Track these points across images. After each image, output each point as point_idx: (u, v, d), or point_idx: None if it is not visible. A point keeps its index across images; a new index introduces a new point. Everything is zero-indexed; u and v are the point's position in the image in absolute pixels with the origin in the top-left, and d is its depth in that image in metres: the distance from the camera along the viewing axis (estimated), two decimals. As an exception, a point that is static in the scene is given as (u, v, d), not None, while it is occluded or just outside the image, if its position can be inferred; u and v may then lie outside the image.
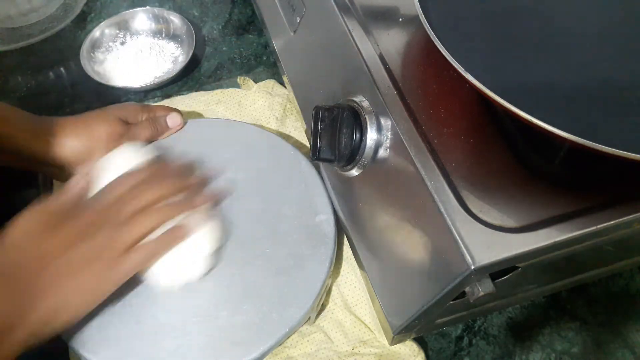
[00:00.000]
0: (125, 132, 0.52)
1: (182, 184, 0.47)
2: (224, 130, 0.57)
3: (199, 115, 0.63)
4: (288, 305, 0.46)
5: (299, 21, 0.55)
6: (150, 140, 0.55)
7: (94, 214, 0.42)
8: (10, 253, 0.40)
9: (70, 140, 0.50)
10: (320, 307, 0.51)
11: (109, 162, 0.48)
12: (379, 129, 0.43)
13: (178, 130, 0.56)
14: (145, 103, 0.65)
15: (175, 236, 0.44)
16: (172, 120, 0.55)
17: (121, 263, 0.41)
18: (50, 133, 0.49)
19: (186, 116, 0.62)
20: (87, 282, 0.40)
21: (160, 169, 0.48)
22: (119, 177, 0.45)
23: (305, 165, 0.54)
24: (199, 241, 0.45)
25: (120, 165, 0.47)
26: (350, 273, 0.53)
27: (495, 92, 0.33)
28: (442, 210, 0.36)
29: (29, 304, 0.38)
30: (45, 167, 0.51)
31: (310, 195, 0.52)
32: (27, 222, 0.41)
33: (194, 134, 0.56)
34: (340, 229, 0.51)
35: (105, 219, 0.42)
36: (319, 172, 0.53)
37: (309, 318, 0.49)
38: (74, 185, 0.45)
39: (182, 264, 0.45)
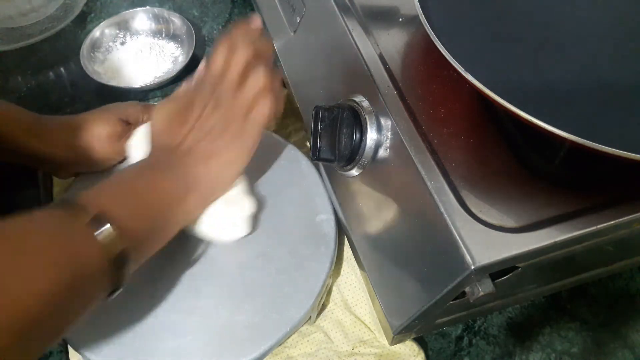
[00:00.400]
0: (125, 133, 0.52)
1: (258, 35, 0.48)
2: None
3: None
4: (288, 305, 0.46)
5: (299, 21, 0.55)
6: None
7: (207, 95, 0.45)
8: (156, 144, 0.45)
9: (70, 139, 0.50)
10: (321, 307, 0.51)
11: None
12: (379, 129, 0.43)
13: None
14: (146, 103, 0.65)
15: (275, 86, 0.46)
16: None
17: (248, 125, 0.44)
18: (50, 131, 0.49)
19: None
20: (227, 155, 0.44)
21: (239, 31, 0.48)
22: (216, 52, 0.46)
23: (305, 165, 0.54)
24: (242, 200, 0.47)
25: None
26: (351, 273, 0.53)
27: (495, 92, 0.33)
28: (442, 210, 0.36)
29: (191, 181, 0.42)
30: (45, 165, 0.51)
31: (310, 195, 0.52)
32: (159, 120, 0.46)
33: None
34: (340, 229, 0.51)
35: (222, 91, 0.44)
36: (319, 172, 0.53)
37: (310, 318, 0.49)
38: (184, 86, 0.47)
39: (227, 221, 0.47)
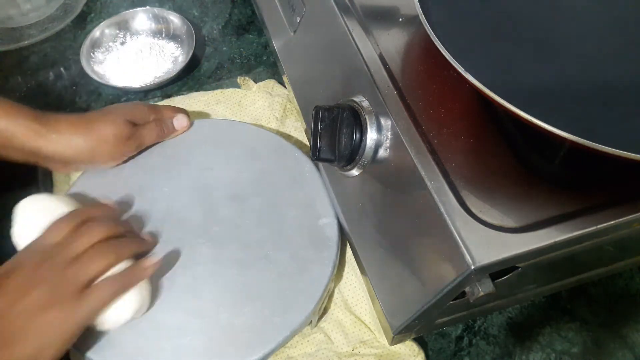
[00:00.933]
0: (132, 134, 0.52)
1: (125, 225, 0.46)
2: (227, 130, 0.57)
3: (199, 115, 0.63)
4: (290, 309, 0.46)
5: (299, 21, 0.55)
6: (156, 141, 0.55)
7: (38, 258, 0.41)
8: None
9: (75, 139, 0.49)
10: (322, 310, 0.50)
11: (18, 213, 0.46)
12: (379, 129, 0.43)
13: (185, 132, 0.56)
14: (151, 103, 0.65)
15: (135, 274, 0.43)
16: (179, 121, 0.55)
17: (79, 304, 0.40)
18: (55, 130, 0.49)
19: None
20: (47, 330, 0.39)
21: (99, 210, 0.47)
22: (60, 219, 0.43)
23: (308, 168, 0.54)
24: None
25: (31, 217, 0.45)
26: (351, 273, 0.53)
27: (495, 92, 0.33)
28: (442, 210, 0.36)
29: None
30: (49, 162, 0.51)
31: (313, 198, 0.52)
32: None
33: (197, 134, 0.56)
34: (342, 232, 0.51)
35: (52, 262, 0.40)
36: (322, 175, 0.53)
37: (311, 322, 0.48)
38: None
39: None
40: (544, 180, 0.39)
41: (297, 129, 0.62)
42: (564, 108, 0.38)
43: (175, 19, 0.71)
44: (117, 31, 0.71)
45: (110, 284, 0.41)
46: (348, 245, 0.53)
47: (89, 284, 0.40)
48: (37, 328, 0.38)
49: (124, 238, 0.45)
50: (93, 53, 0.69)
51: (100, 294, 0.41)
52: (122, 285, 0.42)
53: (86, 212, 0.45)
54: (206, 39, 0.73)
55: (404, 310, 0.42)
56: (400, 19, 0.48)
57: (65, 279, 0.40)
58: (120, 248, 0.43)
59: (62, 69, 0.70)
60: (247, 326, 0.45)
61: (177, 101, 0.65)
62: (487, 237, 0.35)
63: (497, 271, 0.36)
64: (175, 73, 0.66)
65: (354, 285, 0.52)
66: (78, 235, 0.42)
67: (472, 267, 0.34)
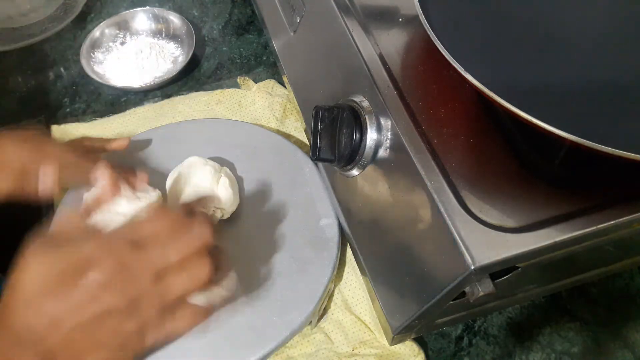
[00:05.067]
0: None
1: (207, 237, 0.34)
2: (227, 130, 0.57)
3: (199, 115, 0.63)
4: (290, 309, 0.46)
5: (299, 21, 0.55)
6: None
7: (126, 251, 0.32)
8: (22, 311, 0.30)
9: None
10: (322, 310, 0.50)
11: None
12: (379, 129, 0.43)
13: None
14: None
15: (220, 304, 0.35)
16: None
17: (159, 325, 0.33)
18: None
19: (186, 116, 0.62)
20: (117, 349, 0.31)
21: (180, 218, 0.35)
22: (143, 220, 0.34)
23: (308, 168, 0.54)
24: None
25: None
26: (351, 273, 0.53)
27: (495, 92, 0.33)
28: (442, 210, 0.36)
29: None
30: None
31: (313, 198, 0.52)
32: (39, 269, 0.30)
33: (197, 134, 0.56)
34: (342, 232, 0.51)
35: (141, 263, 0.32)
36: (322, 176, 0.53)
37: (311, 322, 0.48)
38: (77, 215, 0.37)
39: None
40: (544, 181, 0.39)
41: (297, 129, 0.62)
42: (564, 108, 0.38)
43: (175, 19, 0.71)
44: (117, 31, 0.71)
45: (197, 315, 0.34)
46: (348, 246, 0.53)
47: (173, 303, 0.33)
48: (106, 341, 0.31)
49: (218, 252, 0.35)
50: (93, 53, 0.69)
51: (185, 323, 0.33)
52: (206, 316, 0.34)
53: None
54: (206, 39, 0.73)
55: (404, 310, 0.42)
56: (400, 19, 0.48)
57: (152, 292, 0.32)
58: (215, 266, 0.34)
59: (62, 69, 0.70)
60: (247, 326, 0.45)
61: (177, 101, 0.65)
62: (487, 237, 0.35)
63: (497, 271, 0.36)
64: (175, 73, 0.66)
65: (354, 285, 0.52)
66: (177, 237, 0.33)
67: (472, 267, 0.34)
